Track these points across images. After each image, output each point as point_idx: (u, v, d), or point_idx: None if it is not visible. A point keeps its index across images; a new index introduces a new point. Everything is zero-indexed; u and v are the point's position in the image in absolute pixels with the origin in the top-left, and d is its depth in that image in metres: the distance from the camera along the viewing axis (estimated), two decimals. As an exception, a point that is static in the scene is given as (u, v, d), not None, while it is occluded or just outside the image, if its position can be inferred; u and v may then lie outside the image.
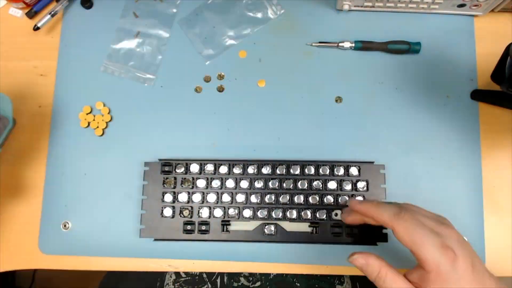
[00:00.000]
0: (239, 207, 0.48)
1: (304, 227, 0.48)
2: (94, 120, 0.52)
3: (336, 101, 0.52)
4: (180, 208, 0.48)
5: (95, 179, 0.50)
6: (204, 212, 0.48)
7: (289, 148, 0.51)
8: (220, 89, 0.53)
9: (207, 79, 0.53)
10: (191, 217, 0.48)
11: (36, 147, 0.52)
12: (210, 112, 0.52)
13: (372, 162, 0.49)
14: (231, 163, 0.49)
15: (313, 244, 0.48)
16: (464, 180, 0.50)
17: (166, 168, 0.48)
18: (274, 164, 0.49)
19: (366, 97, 0.52)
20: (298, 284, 0.57)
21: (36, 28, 0.52)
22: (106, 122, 0.52)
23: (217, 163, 0.49)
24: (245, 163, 0.49)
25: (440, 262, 0.32)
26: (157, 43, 0.54)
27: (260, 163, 0.49)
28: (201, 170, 0.49)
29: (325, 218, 0.47)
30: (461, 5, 0.51)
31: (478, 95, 0.51)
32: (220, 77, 0.53)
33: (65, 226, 0.50)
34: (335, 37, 0.53)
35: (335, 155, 0.50)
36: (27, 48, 0.54)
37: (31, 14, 0.54)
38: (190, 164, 0.49)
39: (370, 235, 0.47)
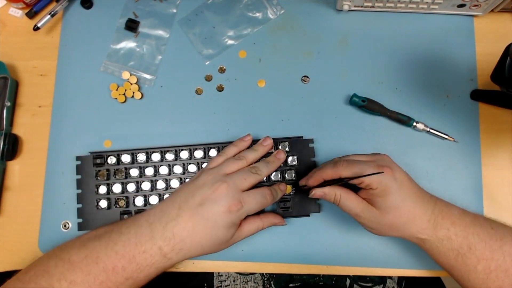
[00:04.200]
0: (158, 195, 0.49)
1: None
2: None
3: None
4: (115, 199, 0.49)
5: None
6: (139, 201, 0.48)
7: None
8: (220, 89, 0.53)
9: (208, 78, 0.53)
10: (127, 207, 0.49)
11: (36, 147, 0.52)
12: (210, 112, 0.52)
13: (301, 137, 0.50)
14: (163, 150, 0.49)
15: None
16: (464, 180, 0.50)
17: (98, 161, 0.49)
18: (205, 147, 0.49)
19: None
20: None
21: (36, 28, 0.52)
22: (106, 122, 0.52)
23: (149, 152, 0.49)
24: (177, 149, 0.49)
25: (381, 179, 0.39)
26: (157, 43, 0.54)
27: (192, 148, 0.49)
28: (133, 159, 0.49)
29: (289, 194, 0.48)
30: (461, 5, 0.51)
31: (478, 95, 0.51)
32: (221, 70, 0.53)
33: (65, 226, 0.50)
34: (335, 37, 0.53)
35: (337, 154, 0.50)
36: (27, 48, 0.54)
37: (31, 14, 0.54)
38: (121, 154, 0.49)
39: (303, 208, 0.48)
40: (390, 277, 0.58)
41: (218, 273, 0.57)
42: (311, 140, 0.50)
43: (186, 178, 0.49)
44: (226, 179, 0.41)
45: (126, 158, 0.49)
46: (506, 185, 0.49)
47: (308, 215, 0.48)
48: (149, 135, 0.52)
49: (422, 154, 0.50)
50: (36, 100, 0.53)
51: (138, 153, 0.49)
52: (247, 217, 0.42)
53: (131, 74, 0.52)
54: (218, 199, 0.40)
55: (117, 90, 0.52)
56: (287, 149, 0.49)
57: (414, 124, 0.50)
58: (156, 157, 0.49)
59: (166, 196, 0.49)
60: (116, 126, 0.52)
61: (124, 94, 0.52)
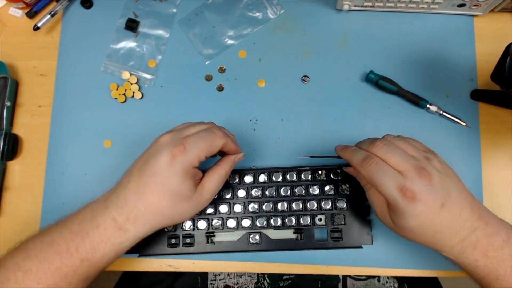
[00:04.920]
0: (222, 218, 0.47)
1: (288, 234, 0.47)
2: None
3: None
4: None
5: (95, 179, 0.50)
6: (188, 225, 0.47)
7: (289, 147, 0.51)
8: (220, 89, 0.53)
9: (208, 78, 0.53)
10: (174, 230, 0.47)
11: (36, 147, 0.52)
12: (210, 112, 0.52)
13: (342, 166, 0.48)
14: None
15: (299, 251, 0.47)
16: (464, 180, 0.49)
17: None
18: (255, 172, 0.48)
19: (366, 97, 0.52)
20: None
21: (36, 28, 0.52)
22: (106, 122, 0.52)
23: None
24: None
25: (398, 201, 0.35)
26: (157, 43, 0.54)
27: (242, 172, 0.48)
28: None
29: (309, 224, 0.47)
30: (461, 5, 0.51)
31: (478, 95, 0.51)
32: (221, 70, 0.53)
33: (65, 226, 0.49)
34: (335, 37, 0.53)
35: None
36: (27, 48, 0.54)
37: (31, 14, 0.54)
38: None
39: (355, 239, 0.47)
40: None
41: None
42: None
43: (235, 203, 0.48)
44: (171, 132, 0.39)
45: None
46: (506, 185, 0.49)
47: (361, 247, 0.47)
48: (150, 135, 0.52)
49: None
50: (36, 100, 0.53)
51: None
52: (207, 171, 0.40)
53: (131, 74, 0.52)
54: (160, 150, 0.37)
55: (117, 90, 0.52)
56: (338, 177, 0.48)
57: (428, 106, 0.50)
58: None
59: (214, 221, 0.47)
60: (116, 126, 0.52)
61: (124, 94, 0.52)
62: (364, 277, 0.57)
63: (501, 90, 0.46)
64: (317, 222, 0.47)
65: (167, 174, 0.36)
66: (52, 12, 0.53)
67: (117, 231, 0.37)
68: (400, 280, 0.58)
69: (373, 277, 0.57)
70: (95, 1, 0.55)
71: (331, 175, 0.48)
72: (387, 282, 0.57)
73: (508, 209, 0.49)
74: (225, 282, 0.57)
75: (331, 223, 0.47)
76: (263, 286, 0.57)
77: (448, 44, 0.53)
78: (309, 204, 0.47)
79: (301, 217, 0.47)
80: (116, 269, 0.49)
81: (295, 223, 0.47)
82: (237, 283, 0.57)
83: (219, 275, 0.57)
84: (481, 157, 0.50)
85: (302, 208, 0.47)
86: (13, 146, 0.50)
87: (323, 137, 0.51)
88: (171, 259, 0.49)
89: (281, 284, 0.57)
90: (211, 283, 0.57)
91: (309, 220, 0.47)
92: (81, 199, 0.50)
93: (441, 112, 0.50)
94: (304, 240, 0.47)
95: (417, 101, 0.50)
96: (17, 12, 0.55)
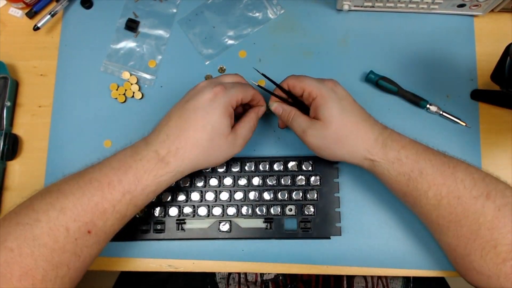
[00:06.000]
0: (194, 205, 0.48)
1: (259, 223, 0.48)
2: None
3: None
4: None
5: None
6: (158, 211, 0.48)
7: (289, 147, 0.51)
8: (220, 89, 0.53)
9: (208, 78, 0.53)
10: (145, 217, 0.48)
11: (36, 147, 0.52)
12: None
13: None
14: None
15: (268, 240, 0.48)
16: (464, 180, 0.50)
17: None
18: (228, 162, 0.48)
19: (366, 97, 0.52)
20: None
21: (36, 28, 0.52)
22: (106, 122, 0.52)
23: None
24: None
25: (321, 87, 0.41)
26: (156, 43, 0.54)
27: None
28: None
29: (279, 214, 0.48)
30: (461, 5, 0.51)
31: (478, 95, 0.51)
32: (221, 70, 0.53)
33: (65, 226, 0.49)
34: (335, 37, 0.53)
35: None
36: (27, 48, 0.54)
37: (31, 14, 0.54)
38: None
39: (324, 229, 0.47)
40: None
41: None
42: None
43: (207, 192, 0.48)
44: (211, 79, 0.43)
45: None
46: (506, 185, 0.49)
47: (329, 238, 0.48)
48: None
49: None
50: (36, 100, 0.53)
51: None
52: (237, 121, 0.43)
53: (131, 74, 0.52)
54: (201, 90, 0.40)
55: (117, 90, 0.52)
56: (310, 168, 0.48)
57: (428, 106, 0.50)
58: None
59: (186, 208, 0.48)
60: (116, 126, 0.52)
61: (124, 94, 0.52)
62: None
63: (501, 90, 0.46)
64: (287, 212, 0.48)
65: (208, 109, 0.39)
66: (52, 12, 0.53)
67: (159, 163, 0.38)
68: (406, 281, 0.58)
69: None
70: (95, 1, 0.55)
71: (303, 166, 0.49)
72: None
73: (508, 209, 0.49)
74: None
75: (301, 214, 0.48)
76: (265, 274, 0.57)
77: (448, 44, 0.53)
78: (280, 194, 0.48)
79: (272, 207, 0.48)
80: (115, 269, 0.49)
81: (265, 212, 0.48)
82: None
83: None
84: (481, 157, 0.50)
85: (272, 198, 0.48)
86: (13, 146, 0.50)
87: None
88: (171, 259, 0.49)
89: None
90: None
91: (279, 210, 0.48)
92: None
93: (441, 112, 0.50)
94: (273, 230, 0.48)
95: (417, 101, 0.50)
96: (17, 12, 0.55)
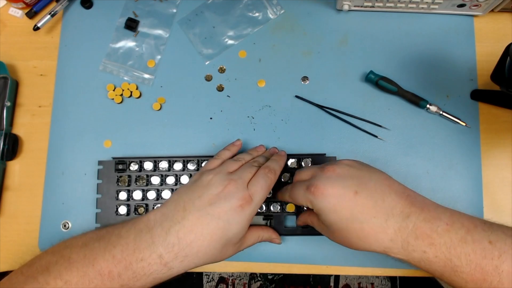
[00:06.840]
0: None
1: (259, 220, 0.48)
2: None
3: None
4: (135, 205, 0.48)
5: (95, 179, 0.50)
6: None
7: (289, 147, 0.51)
8: (220, 89, 0.53)
9: (208, 78, 0.53)
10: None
11: (36, 147, 0.52)
12: (210, 112, 0.52)
13: (324, 154, 0.49)
14: (185, 160, 0.49)
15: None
16: (464, 180, 0.50)
17: (120, 167, 0.48)
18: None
19: (366, 97, 0.52)
20: None
21: (36, 28, 0.52)
22: (106, 122, 0.52)
23: (171, 160, 0.49)
24: (199, 159, 0.49)
25: (310, 200, 0.37)
26: (156, 43, 0.54)
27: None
28: (155, 167, 0.49)
29: (279, 211, 0.48)
30: (461, 5, 0.51)
31: (478, 95, 0.51)
32: (221, 70, 0.53)
33: (65, 226, 0.50)
34: (335, 37, 0.53)
35: (338, 154, 0.50)
36: (27, 48, 0.54)
37: (31, 14, 0.54)
38: (144, 161, 0.49)
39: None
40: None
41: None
42: (335, 158, 0.49)
43: None
44: (232, 177, 0.39)
45: (148, 166, 0.49)
46: (506, 185, 0.49)
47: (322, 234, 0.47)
48: (150, 135, 0.52)
49: (422, 154, 0.50)
50: (36, 100, 0.53)
51: (161, 161, 0.49)
52: (249, 227, 0.41)
53: (129, 83, 0.52)
54: (228, 196, 0.38)
55: (114, 90, 0.52)
56: (309, 165, 0.48)
57: (428, 106, 0.50)
58: (178, 166, 0.49)
59: None
60: (116, 126, 0.52)
61: (121, 94, 0.52)
62: None
63: (501, 90, 0.46)
64: (287, 209, 0.48)
65: (232, 221, 0.37)
66: (52, 12, 0.53)
67: (161, 267, 0.36)
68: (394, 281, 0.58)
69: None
70: (95, 1, 0.55)
71: (302, 163, 0.49)
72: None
73: (508, 209, 0.49)
74: (220, 274, 0.57)
75: (301, 211, 0.47)
76: (257, 278, 0.57)
77: (448, 44, 0.53)
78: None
79: (271, 204, 0.48)
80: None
81: (265, 209, 0.48)
82: (232, 275, 0.57)
83: None
84: (481, 157, 0.50)
85: (272, 195, 0.48)
86: (13, 146, 0.50)
87: (323, 137, 0.51)
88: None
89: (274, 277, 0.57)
90: (206, 275, 0.57)
91: (279, 207, 0.47)
92: (81, 199, 0.50)
93: (441, 112, 0.50)
94: (273, 227, 0.47)
95: (417, 101, 0.50)
96: (17, 12, 0.55)
